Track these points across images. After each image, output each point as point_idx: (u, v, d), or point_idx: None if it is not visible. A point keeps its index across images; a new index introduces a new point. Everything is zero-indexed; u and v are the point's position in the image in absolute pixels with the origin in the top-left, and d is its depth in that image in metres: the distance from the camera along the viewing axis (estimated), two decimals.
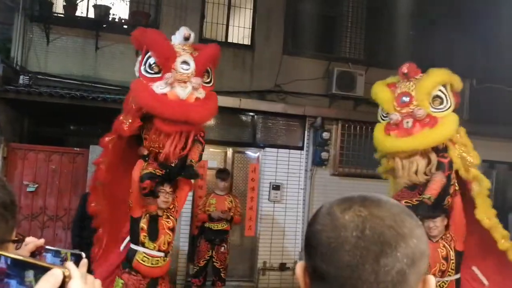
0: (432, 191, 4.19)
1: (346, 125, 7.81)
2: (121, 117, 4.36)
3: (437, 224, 4.17)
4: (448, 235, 4.25)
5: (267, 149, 7.42)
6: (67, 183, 6.83)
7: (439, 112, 4.25)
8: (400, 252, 0.74)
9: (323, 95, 8.17)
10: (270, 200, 7.31)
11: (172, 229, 4.45)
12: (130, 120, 4.22)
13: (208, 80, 4.39)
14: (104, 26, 7.35)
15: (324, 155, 7.42)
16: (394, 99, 4.30)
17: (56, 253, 1.01)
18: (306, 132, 7.60)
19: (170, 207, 4.45)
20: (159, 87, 4.07)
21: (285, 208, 7.38)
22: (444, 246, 4.21)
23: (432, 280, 0.79)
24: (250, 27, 8.26)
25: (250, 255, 7.48)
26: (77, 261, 0.98)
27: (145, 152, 4.41)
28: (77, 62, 7.27)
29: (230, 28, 8.16)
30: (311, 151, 7.53)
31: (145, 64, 4.23)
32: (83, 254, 1.00)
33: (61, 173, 6.82)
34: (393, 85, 4.49)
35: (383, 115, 4.52)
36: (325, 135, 7.40)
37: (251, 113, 7.46)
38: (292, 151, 7.53)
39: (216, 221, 5.87)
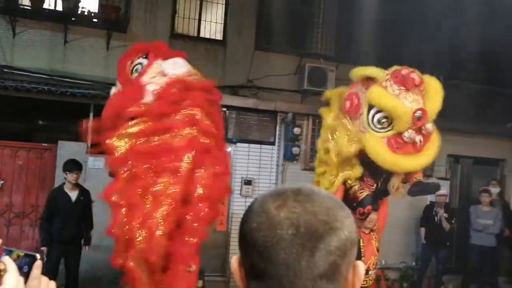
0: (420, 175, 4.57)
1: (317, 120, 7.88)
2: None
3: (377, 216, 4.38)
4: (375, 228, 4.46)
5: (239, 144, 7.44)
6: (35, 180, 6.70)
7: None
8: (333, 246, 0.77)
9: (295, 90, 8.24)
10: (242, 195, 7.34)
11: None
12: None
13: None
14: (73, 19, 7.21)
15: (295, 150, 7.49)
16: (411, 116, 3.92)
17: (8, 253, 0.99)
18: (277, 127, 7.66)
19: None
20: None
21: None
22: (375, 237, 4.41)
23: (360, 266, 0.82)
24: (222, 22, 8.26)
25: (222, 250, 7.50)
26: (31, 262, 0.97)
27: None
28: (45, 56, 7.12)
29: (202, 23, 8.13)
30: (283, 146, 7.59)
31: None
32: (38, 256, 0.99)
33: (28, 169, 6.68)
34: (385, 88, 4.13)
35: (377, 125, 4.08)
36: (296, 130, 7.47)
37: (223, 109, 7.45)
38: (263, 146, 7.58)
39: None
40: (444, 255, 7.71)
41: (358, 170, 4.35)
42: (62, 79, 7.01)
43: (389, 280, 7.91)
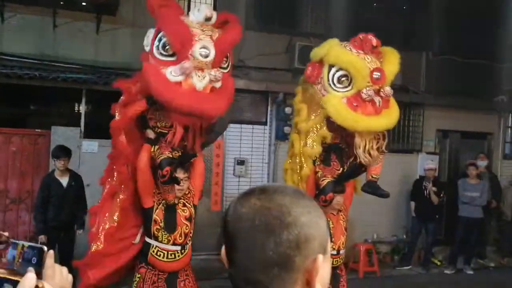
0: (378, 172, 4.41)
1: None
2: (122, 100, 4.09)
3: (343, 198, 4.43)
4: (342, 208, 4.51)
5: (231, 125, 7.48)
6: (29, 165, 6.75)
7: None
8: (283, 239, 0.86)
9: (286, 69, 8.29)
10: (235, 175, 7.46)
11: (189, 219, 4.10)
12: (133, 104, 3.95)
13: (226, 65, 3.85)
14: (61, 3, 7.15)
15: (287, 129, 7.56)
16: (369, 73, 3.92)
17: (14, 246, 1.05)
18: (269, 107, 7.73)
19: (186, 193, 4.12)
20: (172, 74, 3.60)
21: (250, 182, 7.55)
22: (343, 218, 4.48)
23: (319, 259, 0.89)
24: (212, 2, 8.22)
25: (217, 229, 7.66)
26: (39, 253, 1.04)
27: (152, 135, 4.05)
28: (34, 41, 7.07)
29: (192, 3, 8.09)
30: (274, 126, 7.68)
31: (159, 42, 3.74)
32: (45, 248, 1.05)
33: (22, 155, 6.73)
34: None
35: (337, 85, 4.06)
36: (288, 110, 7.54)
37: None
38: (255, 126, 7.66)
39: None
40: (433, 228, 7.94)
41: (318, 148, 4.33)
42: (53, 64, 7.00)
43: (380, 254, 8.14)
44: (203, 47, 3.56)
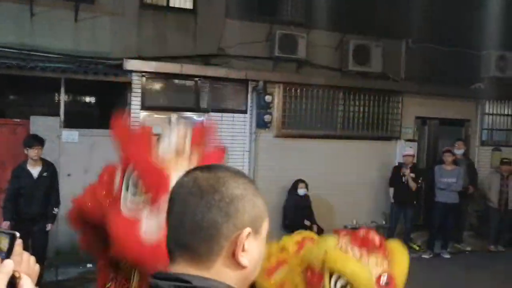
0: None
1: (288, 87, 8.05)
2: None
3: None
4: None
5: (211, 113, 7.56)
6: (9, 155, 6.71)
7: None
8: (213, 205, 0.92)
9: (267, 58, 8.34)
10: None
11: None
12: None
13: None
14: None
15: (267, 117, 7.65)
16: (375, 282, 3.81)
17: None
18: (249, 95, 7.78)
19: None
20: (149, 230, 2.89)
21: None
22: None
23: (244, 232, 0.92)
24: None
25: None
26: (11, 240, 1.03)
27: None
28: (12, 29, 6.99)
29: None
30: (255, 114, 7.73)
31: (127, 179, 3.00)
32: (17, 234, 1.05)
33: (1, 145, 6.70)
34: (342, 249, 3.92)
35: None
36: (268, 98, 7.61)
37: (195, 78, 7.53)
38: (236, 114, 7.70)
39: None
40: (412, 213, 8.11)
41: None
42: (31, 53, 6.95)
43: None
44: None
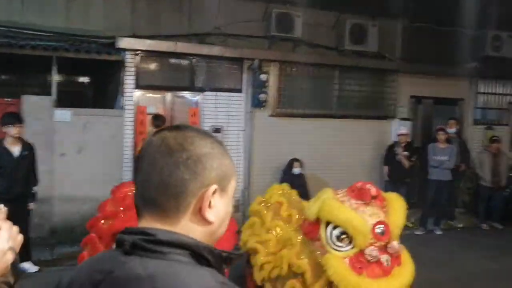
0: None
1: (284, 66, 8.00)
2: None
3: None
4: None
5: (207, 92, 7.51)
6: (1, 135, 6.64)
7: None
8: (180, 162, 0.94)
9: (263, 37, 8.25)
10: None
11: None
12: None
13: None
14: None
15: (262, 97, 7.62)
16: (370, 230, 3.43)
17: None
18: (244, 74, 7.72)
19: None
20: None
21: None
22: None
23: (210, 189, 0.95)
24: None
25: None
26: None
27: None
28: (1, 7, 6.84)
29: None
30: (250, 93, 7.69)
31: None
32: (1, 205, 1.10)
33: None
34: (342, 202, 3.63)
35: (337, 243, 3.53)
36: (263, 77, 7.57)
37: (189, 57, 7.45)
38: (231, 94, 7.66)
39: None
40: (406, 191, 8.16)
41: None
42: (21, 31, 6.81)
43: None
44: None
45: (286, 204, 4.39)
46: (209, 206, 0.96)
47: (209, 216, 0.96)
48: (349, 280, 3.42)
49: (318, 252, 3.64)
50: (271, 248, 4.11)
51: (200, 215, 0.95)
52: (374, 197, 3.58)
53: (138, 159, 1.00)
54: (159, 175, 0.94)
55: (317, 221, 3.66)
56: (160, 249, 0.91)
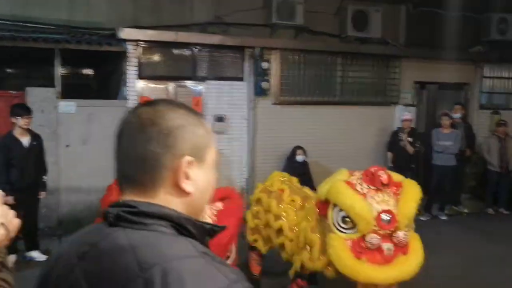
0: None
1: (285, 54, 7.99)
2: None
3: None
4: None
5: (209, 81, 7.53)
6: (6, 127, 6.68)
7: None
8: (152, 137, 0.96)
9: (264, 25, 8.22)
10: (214, 132, 7.51)
11: None
12: None
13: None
14: None
15: (264, 85, 7.62)
16: (374, 216, 3.41)
17: None
18: (246, 63, 7.72)
19: None
20: None
21: (230, 138, 7.65)
22: None
23: (184, 160, 0.97)
24: None
25: None
26: None
27: None
28: (4, 0, 6.89)
29: None
30: (252, 81, 7.70)
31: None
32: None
33: None
34: (353, 186, 3.57)
35: (341, 225, 3.55)
36: (265, 65, 7.56)
37: (191, 46, 7.47)
38: (233, 82, 7.67)
39: None
40: (410, 177, 8.07)
41: None
42: (25, 24, 6.86)
43: None
44: None
45: (288, 190, 4.43)
46: (187, 177, 0.97)
47: (186, 187, 0.97)
48: (346, 262, 3.46)
49: (328, 230, 3.69)
50: (291, 221, 4.17)
51: (177, 187, 0.97)
52: (384, 185, 3.51)
53: (117, 137, 1.02)
54: (134, 151, 0.97)
55: (327, 201, 3.70)
56: (143, 220, 0.93)
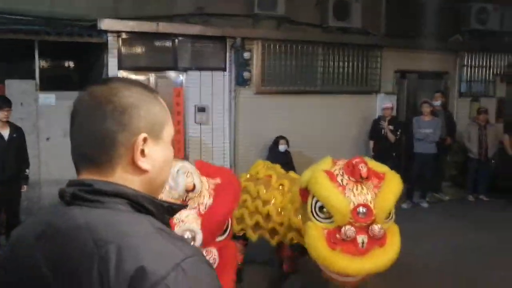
0: None
1: (267, 44, 8.01)
2: None
3: None
4: None
5: (190, 72, 7.52)
6: None
7: (385, 224, 3.54)
8: (107, 115, 0.96)
9: (246, 15, 8.22)
10: (196, 123, 7.53)
11: None
12: None
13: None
14: None
15: (246, 75, 7.64)
16: (350, 209, 3.40)
17: None
18: (227, 53, 7.73)
19: None
20: None
21: (211, 129, 7.67)
22: None
23: (139, 137, 0.97)
24: None
25: None
26: None
27: None
28: None
29: None
30: (234, 71, 7.70)
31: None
32: None
33: None
34: (334, 176, 3.56)
35: (319, 214, 3.55)
36: (246, 55, 7.57)
37: (172, 37, 7.45)
38: (215, 72, 7.67)
39: None
40: (392, 165, 8.16)
41: None
42: (5, 16, 6.77)
43: None
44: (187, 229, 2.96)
45: (276, 176, 4.48)
46: (143, 154, 0.98)
47: (143, 165, 0.98)
48: (321, 252, 3.46)
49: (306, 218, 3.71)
50: (278, 205, 4.22)
51: (134, 165, 0.97)
52: (363, 178, 3.51)
53: (71, 116, 1.02)
54: (89, 130, 0.97)
55: (308, 190, 3.71)
56: (99, 198, 0.94)
